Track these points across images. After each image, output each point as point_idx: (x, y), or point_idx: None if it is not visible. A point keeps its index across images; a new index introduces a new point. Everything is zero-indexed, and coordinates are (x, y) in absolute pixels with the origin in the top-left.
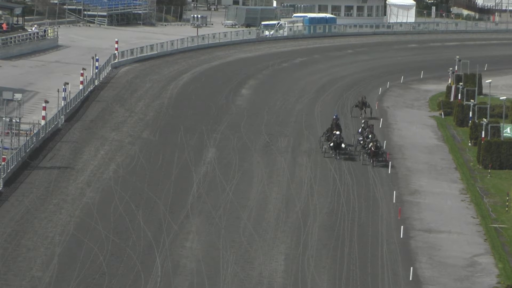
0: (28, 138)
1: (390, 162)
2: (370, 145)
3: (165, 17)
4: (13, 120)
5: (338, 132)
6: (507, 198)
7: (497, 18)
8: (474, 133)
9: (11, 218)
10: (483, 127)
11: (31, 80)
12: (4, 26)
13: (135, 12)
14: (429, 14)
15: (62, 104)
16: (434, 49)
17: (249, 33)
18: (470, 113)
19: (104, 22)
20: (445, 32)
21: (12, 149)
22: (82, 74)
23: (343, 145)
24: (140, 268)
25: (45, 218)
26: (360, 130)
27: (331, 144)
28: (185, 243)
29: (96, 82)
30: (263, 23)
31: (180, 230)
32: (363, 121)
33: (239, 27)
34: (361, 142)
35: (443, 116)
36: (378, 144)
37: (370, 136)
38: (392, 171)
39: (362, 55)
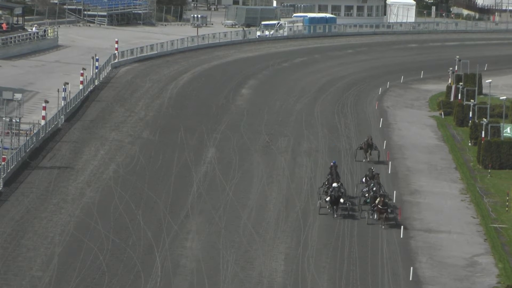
0: (28, 138)
1: (390, 162)
2: (376, 201)
3: (165, 17)
4: (13, 120)
5: (336, 184)
6: (507, 198)
7: (497, 18)
8: (474, 133)
9: (11, 218)
10: (483, 127)
11: (31, 80)
12: (4, 26)
13: (135, 12)
14: (429, 14)
15: (62, 104)
16: (434, 49)
17: (249, 33)
18: (470, 113)
19: (104, 22)
20: (445, 32)
21: (12, 149)
22: (82, 74)
23: (342, 200)
24: (140, 267)
25: (45, 218)
26: (363, 179)
27: (328, 199)
28: (185, 243)
29: (96, 82)
30: (263, 23)
31: (180, 230)
32: (372, 168)
33: (239, 27)
34: (366, 195)
35: (443, 116)
36: (387, 200)
37: (375, 188)
38: (392, 171)
39: (362, 55)
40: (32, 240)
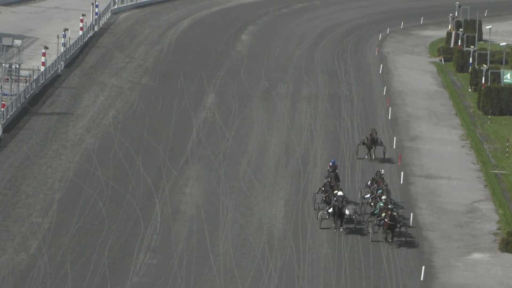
0: (27, 84)
1: (390, 110)
2: (383, 215)
3: None
4: (13, 66)
5: (340, 193)
6: (507, 144)
7: None
8: (474, 79)
9: (11, 164)
10: (483, 73)
11: (30, 26)
12: None
13: None
14: None
15: (62, 50)
16: None
17: None
18: (470, 59)
19: None
20: None
21: (11, 95)
22: (81, 20)
23: (347, 212)
24: (139, 214)
25: (44, 164)
26: (368, 182)
27: (330, 210)
28: (184, 189)
29: (96, 28)
30: None
31: (179, 176)
32: (382, 171)
33: None
34: (371, 203)
35: (443, 62)
36: (395, 213)
37: (384, 197)
38: (392, 117)
39: (363, 1)
40: (31, 187)
